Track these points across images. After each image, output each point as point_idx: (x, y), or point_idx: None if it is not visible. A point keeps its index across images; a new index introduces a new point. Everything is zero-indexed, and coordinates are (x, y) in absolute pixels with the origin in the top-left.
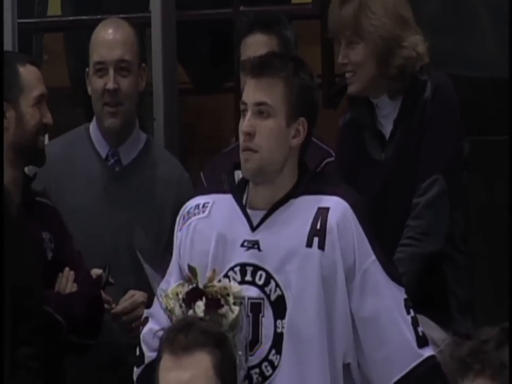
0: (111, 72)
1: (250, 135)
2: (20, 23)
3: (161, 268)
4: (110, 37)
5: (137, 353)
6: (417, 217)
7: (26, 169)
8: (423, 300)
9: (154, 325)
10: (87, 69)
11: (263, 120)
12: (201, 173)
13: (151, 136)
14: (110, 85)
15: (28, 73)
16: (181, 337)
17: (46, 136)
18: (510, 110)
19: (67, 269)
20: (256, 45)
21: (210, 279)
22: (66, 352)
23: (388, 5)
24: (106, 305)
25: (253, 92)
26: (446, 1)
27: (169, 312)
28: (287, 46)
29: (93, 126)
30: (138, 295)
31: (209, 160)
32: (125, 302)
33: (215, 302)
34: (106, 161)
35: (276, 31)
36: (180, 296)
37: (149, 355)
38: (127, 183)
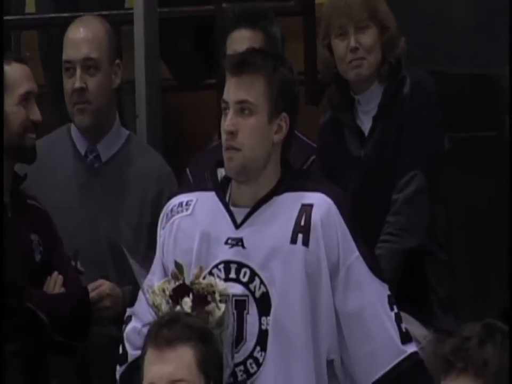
0: (78, 71)
1: (233, 134)
2: None
3: (146, 264)
4: (77, 35)
5: (120, 351)
6: (396, 213)
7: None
8: (404, 296)
9: (137, 323)
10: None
11: (245, 118)
12: (187, 169)
13: (132, 132)
14: (77, 84)
15: (12, 71)
16: (164, 331)
17: None
18: (510, 108)
19: (56, 272)
20: (241, 40)
21: (197, 276)
22: (51, 352)
23: None
24: None
25: (234, 90)
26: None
27: (155, 308)
28: (273, 42)
29: (73, 125)
30: (105, 287)
31: (193, 156)
32: (91, 293)
33: (202, 299)
34: (85, 158)
35: (261, 26)
36: (167, 293)
37: (132, 353)
38: (106, 179)
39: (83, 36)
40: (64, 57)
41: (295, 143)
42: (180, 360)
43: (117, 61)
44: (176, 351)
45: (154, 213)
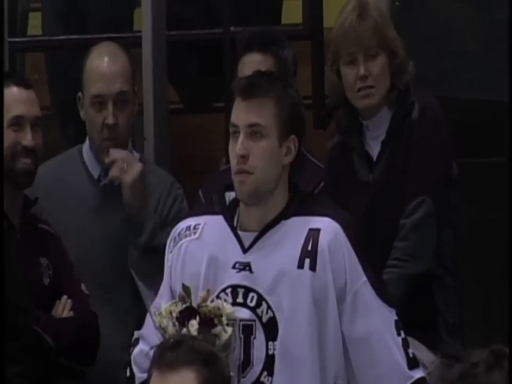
0: (110, 107)
1: (244, 157)
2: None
3: (154, 287)
4: (107, 69)
5: (128, 374)
6: (403, 239)
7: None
8: (411, 321)
9: (145, 346)
10: (79, 94)
11: (256, 141)
12: (200, 190)
13: (143, 154)
14: (110, 120)
15: (6, 94)
16: (168, 354)
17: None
18: (510, 130)
19: (65, 296)
20: (252, 64)
21: (205, 299)
22: (57, 376)
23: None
24: None
25: (244, 113)
26: (434, 23)
27: (162, 330)
28: (284, 66)
29: (85, 147)
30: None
31: (205, 178)
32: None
33: (209, 322)
34: (99, 182)
35: (272, 50)
36: (174, 315)
37: (140, 376)
38: (119, 202)
39: (115, 69)
40: (94, 91)
41: (308, 166)
42: (182, 383)
43: (136, 87)
44: (178, 374)
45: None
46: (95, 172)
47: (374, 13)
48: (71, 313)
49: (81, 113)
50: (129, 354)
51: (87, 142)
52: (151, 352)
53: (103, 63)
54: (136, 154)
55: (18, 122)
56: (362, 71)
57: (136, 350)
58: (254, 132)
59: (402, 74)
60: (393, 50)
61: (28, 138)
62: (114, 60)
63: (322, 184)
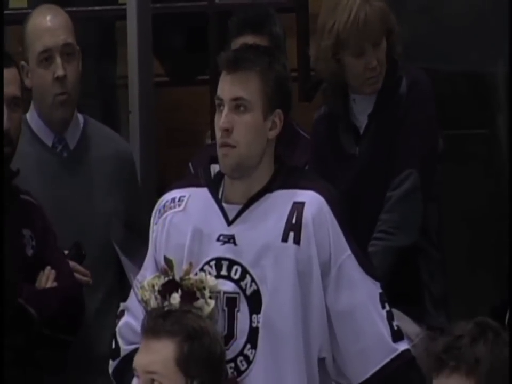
0: (58, 59)
1: (228, 131)
2: None
3: (137, 259)
4: (50, 23)
5: (113, 346)
6: (390, 211)
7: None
8: (396, 293)
9: (130, 318)
10: (22, 62)
11: (240, 115)
12: (190, 163)
13: (86, 115)
14: (60, 72)
15: None
16: (155, 321)
17: None
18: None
19: (48, 267)
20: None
21: (187, 272)
22: (41, 346)
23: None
24: (85, 278)
25: (229, 87)
26: None
27: (144, 303)
28: (277, 43)
29: (31, 116)
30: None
31: (185, 152)
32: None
33: (190, 295)
34: (54, 149)
35: (266, 31)
36: (156, 288)
37: (125, 348)
38: (78, 166)
39: (57, 23)
40: (40, 47)
41: (300, 141)
42: (159, 353)
43: (78, 47)
44: (159, 342)
45: (131, 195)
46: (48, 139)
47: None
48: (55, 284)
49: (27, 82)
50: (115, 326)
51: (30, 112)
52: (133, 324)
53: (45, 20)
54: (81, 117)
55: None
56: (374, 63)
57: (122, 322)
58: (238, 105)
59: (394, 50)
60: (392, 32)
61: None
62: (56, 14)
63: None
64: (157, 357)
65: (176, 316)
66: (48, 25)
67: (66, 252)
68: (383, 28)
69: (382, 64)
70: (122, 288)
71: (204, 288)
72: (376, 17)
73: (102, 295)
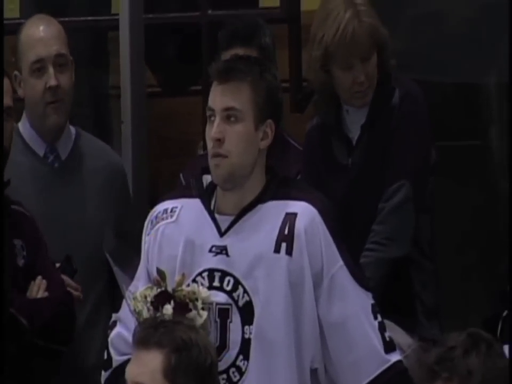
0: (51, 69)
1: (219, 141)
2: None
3: (129, 270)
4: (43, 33)
5: (105, 357)
6: (382, 222)
7: None
8: (388, 304)
9: (122, 329)
10: (15, 72)
11: (232, 125)
12: (181, 174)
13: (78, 127)
14: (52, 82)
15: None
16: (145, 332)
17: None
18: (510, 112)
19: (39, 277)
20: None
21: (179, 283)
22: (33, 356)
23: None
24: (76, 292)
25: (220, 97)
26: (411, 6)
27: (137, 314)
28: (267, 54)
29: (23, 125)
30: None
31: (177, 162)
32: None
33: (183, 306)
34: (45, 159)
35: (255, 43)
36: (148, 299)
37: (117, 359)
38: (69, 177)
39: (50, 33)
40: (33, 57)
41: (290, 151)
42: (147, 364)
43: (71, 57)
44: (148, 353)
45: (122, 209)
46: (40, 149)
47: (368, 14)
48: (46, 294)
49: (19, 91)
50: (107, 337)
51: (23, 121)
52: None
53: (38, 30)
54: (73, 129)
55: None
56: (362, 78)
57: (114, 332)
58: (230, 115)
59: (387, 65)
60: (383, 47)
61: None
62: (49, 25)
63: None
64: (145, 368)
65: (167, 326)
66: (41, 35)
67: (57, 265)
68: (372, 43)
69: (371, 78)
70: (112, 299)
71: (197, 299)
72: (364, 32)
73: (91, 307)
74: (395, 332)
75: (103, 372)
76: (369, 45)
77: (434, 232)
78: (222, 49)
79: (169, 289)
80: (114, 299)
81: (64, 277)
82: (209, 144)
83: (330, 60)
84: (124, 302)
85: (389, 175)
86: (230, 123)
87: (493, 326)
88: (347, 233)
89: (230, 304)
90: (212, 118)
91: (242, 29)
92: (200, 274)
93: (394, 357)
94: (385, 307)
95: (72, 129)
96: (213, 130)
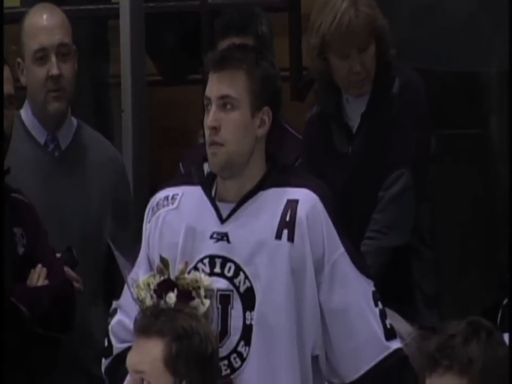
0: (53, 58)
1: (215, 129)
2: None
3: (131, 257)
4: (46, 22)
5: (106, 344)
6: (382, 211)
7: None
8: (389, 293)
9: (122, 317)
10: (18, 59)
11: (227, 112)
12: (180, 163)
13: (79, 119)
14: (54, 71)
15: None
16: (147, 320)
17: None
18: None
19: (40, 265)
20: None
21: (182, 272)
22: (33, 344)
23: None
24: (77, 284)
25: (215, 85)
26: None
27: (140, 302)
28: (264, 42)
29: (25, 113)
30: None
31: (178, 151)
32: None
33: (186, 294)
34: (45, 147)
35: (251, 32)
36: (151, 287)
37: (117, 346)
38: (68, 167)
39: (54, 22)
40: (35, 45)
41: (287, 139)
42: (147, 352)
43: (74, 46)
44: (149, 341)
45: (117, 201)
46: (41, 137)
47: (365, 4)
48: (46, 282)
49: (22, 79)
50: (107, 324)
51: (25, 108)
52: (125, 322)
53: (42, 18)
54: (74, 120)
55: None
56: (357, 68)
57: (114, 320)
58: (225, 103)
59: (386, 56)
60: (381, 37)
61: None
62: (53, 14)
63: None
64: (146, 356)
65: (168, 315)
66: (44, 24)
67: (58, 256)
68: (369, 34)
69: (368, 68)
70: (111, 288)
71: (199, 287)
72: (361, 23)
73: (88, 297)
74: (395, 320)
75: (103, 359)
76: (366, 35)
77: (435, 220)
78: (218, 38)
79: (172, 277)
80: (114, 286)
81: (66, 268)
82: (206, 133)
83: (327, 48)
84: (124, 289)
85: (389, 163)
86: (226, 111)
87: (493, 314)
88: (347, 221)
89: (231, 290)
90: (209, 107)
91: (238, 18)
92: (201, 260)
93: (395, 344)
94: (385, 295)
95: (74, 120)
96: (208, 118)
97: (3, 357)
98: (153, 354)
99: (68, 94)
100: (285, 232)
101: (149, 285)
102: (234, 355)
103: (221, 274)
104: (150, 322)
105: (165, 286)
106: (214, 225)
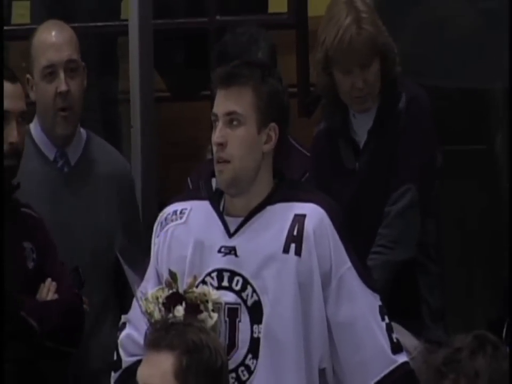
0: (62, 74)
1: (222, 145)
2: None
3: (140, 271)
4: (55, 38)
5: (115, 358)
6: (388, 226)
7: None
8: (395, 307)
9: (131, 330)
10: (27, 75)
11: (233, 129)
12: (188, 178)
13: (89, 130)
14: (63, 87)
15: None
16: (157, 334)
17: None
18: (510, 117)
19: (49, 279)
20: None
21: (191, 285)
22: (43, 358)
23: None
24: (84, 305)
25: (222, 102)
26: (417, 12)
27: (148, 315)
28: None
29: (34, 128)
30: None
31: (186, 167)
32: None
33: (194, 308)
34: (55, 163)
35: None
36: (160, 300)
37: (126, 360)
38: (78, 183)
39: (62, 39)
40: (44, 62)
41: (294, 154)
42: (158, 366)
43: (83, 63)
44: (159, 355)
45: (129, 215)
46: (50, 153)
47: (369, 22)
48: (56, 296)
49: (31, 95)
50: (116, 338)
51: (34, 124)
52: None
53: (51, 35)
54: (84, 133)
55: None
56: (360, 84)
57: (123, 334)
58: (232, 119)
59: (392, 73)
60: (386, 55)
61: (13, 135)
62: (61, 30)
63: (308, 173)
64: (156, 370)
65: (178, 328)
66: (53, 41)
67: None
68: (371, 51)
69: (370, 85)
70: (120, 302)
71: (207, 301)
72: (362, 40)
73: (97, 311)
74: (401, 334)
75: (112, 373)
76: (368, 52)
77: (441, 235)
78: (214, 66)
79: (181, 290)
80: (123, 299)
81: None
82: (214, 149)
83: (331, 63)
84: (133, 303)
85: (395, 179)
86: (232, 127)
87: (498, 328)
88: (354, 236)
89: (239, 304)
90: (216, 124)
91: (231, 48)
92: (209, 274)
93: (402, 358)
94: (392, 310)
95: (83, 132)
96: (215, 135)
97: (4, 360)
98: (163, 368)
99: (76, 115)
100: (293, 246)
101: (157, 298)
102: (242, 368)
103: (229, 288)
104: (160, 336)
105: (173, 299)
106: (222, 239)
